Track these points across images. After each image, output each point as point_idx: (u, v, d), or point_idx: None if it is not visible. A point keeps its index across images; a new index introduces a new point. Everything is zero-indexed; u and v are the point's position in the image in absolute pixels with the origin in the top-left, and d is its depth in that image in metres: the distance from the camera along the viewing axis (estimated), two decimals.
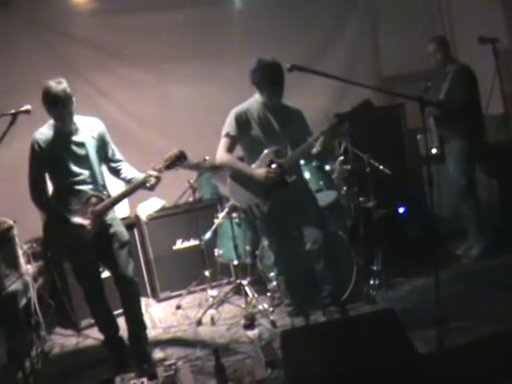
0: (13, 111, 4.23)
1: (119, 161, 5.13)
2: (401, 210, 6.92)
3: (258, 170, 4.95)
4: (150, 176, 4.76)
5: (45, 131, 4.88)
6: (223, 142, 5.12)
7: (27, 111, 4.29)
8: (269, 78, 4.90)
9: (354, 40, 8.50)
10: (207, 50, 7.90)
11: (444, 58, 6.31)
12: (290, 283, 5.22)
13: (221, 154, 5.11)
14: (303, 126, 5.18)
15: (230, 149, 5.12)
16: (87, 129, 4.94)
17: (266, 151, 4.98)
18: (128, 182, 5.04)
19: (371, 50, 8.61)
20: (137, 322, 5.12)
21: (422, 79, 6.32)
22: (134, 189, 4.89)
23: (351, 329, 3.95)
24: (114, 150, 5.11)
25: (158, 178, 4.79)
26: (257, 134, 5.05)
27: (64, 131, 4.84)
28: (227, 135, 5.09)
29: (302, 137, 5.00)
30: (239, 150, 5.26)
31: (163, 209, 6.98)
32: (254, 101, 5.14)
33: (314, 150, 4.86)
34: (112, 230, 4.97)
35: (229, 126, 5.09)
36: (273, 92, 4.96)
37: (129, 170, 5.07)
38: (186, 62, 7.90)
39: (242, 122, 5.05)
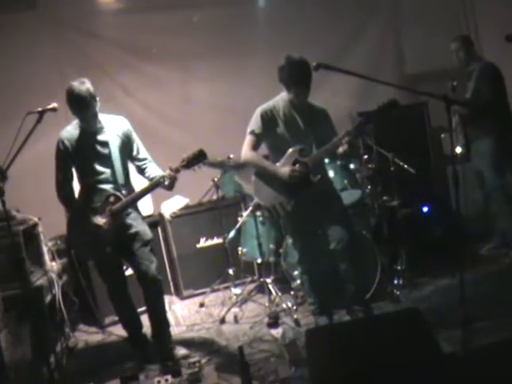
0: (40, 109, 4.25)
1: (144, 159, 5.13)
2: (425, 209, 6.88)
3: (283, 168, 4.93)
4: (165, 176, 4.76)
5: (70, 130, 4.92)
6: (248, 140, 5.09)
7: (54, 109, 4.31)
8: (296, 75, 4.85)
9: (377, 38, 8.48)
10: (231, 48, 7.92)
11: (467, 56, 6.25)
12: (314, 282, 5.21)
13: (245, 152, 5.08)
14: (329, 125, 5.15)
15: (255, 146, 5.08)
16: (112, 127, 4.96)
17: (290, 150, 4.95)
18: (151, 180, 5.04)
19: (394, 48, 8.58)
20: (160, 320, 5.14)
21: (446, 77, 6.29)
22: (151, 188, 4.90)
23: (376, 328, 3.91)
24: (139, 148, 5.12)
25: (174, 178, 4.77)
26: (282, 132, 5.01)
27: (89, 130, 4.87)
28: (252, 133, 5.06)
29: (328, 136, 4.97)
30: (264, 148, 5.24)
31: (187, 207, 7.00)
32: (280, 99, 5.10)
33: (340, 150, 4.84)
34: (134, 230, 4.99)
35: (254, 123, 5.06)
36: (299, 90, 4.91)
37: (153, 169, 5.07)
38: (210, 61, 7.92)
39: (268, 119, 5.02)
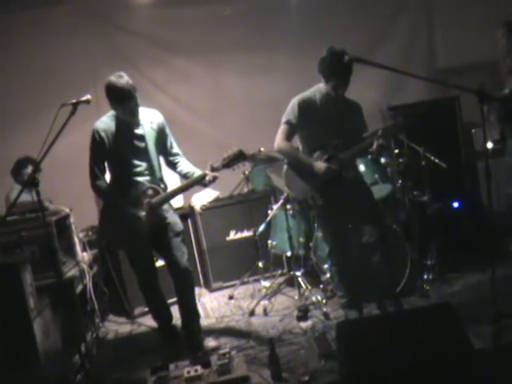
0: (73, 101, 4.26)
1: (177, 154, 5.16)
2: (455, 204, 6.83)
3: (319, 162, 4.91)
4: (207, 175, 4.80)
5: (106, 121, 4.94)
6: (283, 130, 5.04)
7: (87, 101, 4.32)
8: (337, 67, 4.75)
9: (408, 31, 8.39)
10: (261, 41, 7.92)
11: (509, 45, 6.08)
12: (344, 275, 5.19)
13: (279, 142, 5.04)
14: (361, 120, 5.12)
15: (289, 137, 5.04)
16: (147, 120, 4.98)
17: (326, 143, 4.93)
18: (183, 176, 5.08)
19: (426, 41, 8.49)
20: (190, 311, 5.17)
21: (479, 71, 6.22)
22: (191, 185, 4.95)
23: (407, 322, 3.90)
24: (172, 142, 5.15)
25: (214, 178, 4.83)
26: (317, 123, 4.95)
27: (125, 122, 4.89)
28: (288, 122, 5.01)
29: (359, 131, 4.96)
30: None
31: (217, 200, 7.01)
32: (316, 90, 5.04)
33: (374, 146, 4.82)
34: (166, 221, 5.01)
35: (291, 113, 5.00)
36: (339, 83, 4.85)
37: (185, 165, 5.10)
38: (240, 54, 7.93)
39: (305, 109, 4.95)
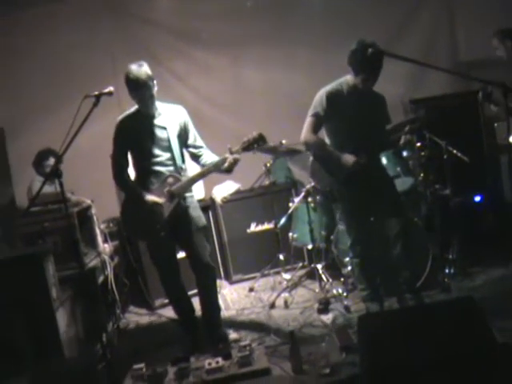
0: (96, 93, 4.27)
1: (200, 147, 5.16)
2: (477, 198, 6.79)
3: (348, 155, 4.88)
4: (227, 158, 4.77)
5: (129, 114, 4.98)
6: (310, 122, 5.00)
7: (110, 93, 4.33)
8: (369, 61, 4.71)
9: (430, 24, 8.30)
10: (282, 34, 7.89)
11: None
12: (366, 268, 5.18)
13: (306, 134, 5.00)
14: (385, 112, 5.12)
15: (316, 129, 5.00)
16: (170, 115, 5.00)
17: (352, 135, 4.92)
18: None
19: (448, 34, 8.41)
20: (212, 305, 5.19)
21: (502, 65, 6.17)
22: (211, 170, 4.92)
23: (429, 316, 3.89)
24: (195, 136, 5.15)
25: (235, 160, 4.78)
26: (344, 115, 4.91)
27: (147, 115, 4.92)
28: (316, 115, 4.97)
29: (383, 124, 4.95)
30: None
31: (238, 192, 7.02)
32: (344, 82, 5.00)
33: (402, 140, 4.82)
34: (190, 215, 5.02)
35: (319, 105, 4.96)
36: (369, 76, 4.83)
37: (209, 156, 5.09)
38: (261, 47, 7.91)
39: (332, 102, 4.91)
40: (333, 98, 4.92)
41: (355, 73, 4.89)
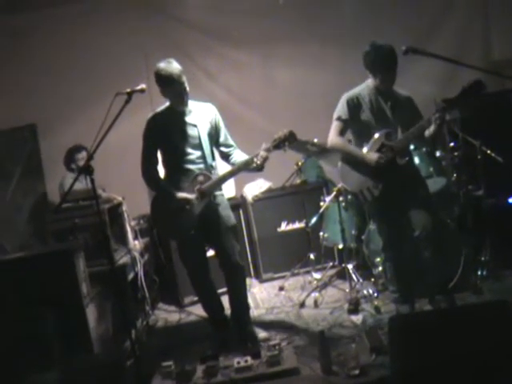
0: (128, 90, 4.27)
1: (231, 146, 5.16)
2: (511, 200, 6.69)
3: (370, 154, 4.90)
4: (257, 155, 4.76)
5: (161, 111, 5.00)
6: (335, 126, 5.07)
7: (142, 90, 4.33)
8: (382, 62, 4.81)
9: (462, 22, 8.21)
10: (313, 32, 7.85)
11: None
12: (398, 269, 5.14)
13: (332, 138, 5.07)
14: (416, 112, 5.07)
15: (342, 132, 5.07)
16: (201, 113, 5.01)
17: (377, 135, 4.92)
18: None
19: (481, 32, 8.30)
20: (241, 305, 5.19)
21: None
22: (241, 168, 4.91)
23: (461, 319, 3.84)
24: (226, 135, 5.15)
25: (265, 158, 4.76)
26: (368, 118, 4.97)
27: (178, 112, 4.92)
28: (339, 119, 5.04)
29: (414, 123, 4.91)
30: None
31: (269, 190, 7.02)
32: (365, 86, 5.06)
33: (426, 133, 4.76)
34: (219, 213, 5.02)
35: (341, 109, 5.04)
36: (385, 77, 4.87)
37: (239, 155, 5.09)
38: (292, 44, 7.90)
39: (354, 106, 4.99)
40: (353, 102, 5.00)
41: (372, 75, 4.95)
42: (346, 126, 5.06)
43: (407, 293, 5.17)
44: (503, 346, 3.49)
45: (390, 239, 5.12)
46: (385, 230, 5.17)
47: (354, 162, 5.04)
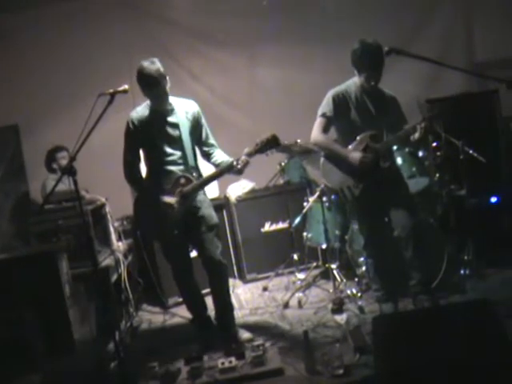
0: (111, 91, 4.27)
1: (212, 145, 5.15)
2: (493, 199, 6.73)
3: (354, 153, 4.91)
4: (239, 159, 4.75)
5: (140, 110, 4.97)
6: (319, 122, 5.07)
7: (125, 91, 4.32)
8: (368, 59, 4.80)
9: (446, 23, 8.26)
10: (298, 33, 7.87)
11: None
12: (380, 268, 5.18)
13: (316, 134, 5.07)
14: (399, 113, 5.11)
15: (326, 129, 5.07)
16: (182, 110, 4.98)
17: (362, 135, 4.95)
18: (217, 166, 5.06)
19: (464, 33, 8.35)
20: (225, 303, 5.18)
21: None
22: (223, 172, 4.92)
23: (443, 318, 3.86)
24: (208, 133, 5.14)
25: (247, 162, 4.76)
26: (353, 116, 4.99)
27: (159, 111, 4.90)
28: (323, 115, 5.04)
29: (398, 124, 4.95)
30: (332, 132, 5.21)
31: (253, 191, 7.02)
32: (351, 83, 5.07)
33: (412, 138, 4.79)
34: (201, 213, 5.01)
35: (326, 106, 5.04)
36: (371, 74, 4.87)
37: (220, 155, 5.08)
38: (277, 45, 7.90)
39: (339, 103, 4.99)
40: (339, 99, 5.01)
41: (358, 72, 4.96)
42: (330, 122, 5.06)
43: (390, 291, 5.20)
44: (486, 344, 3.52)
45: (370, 238, 5.16)
46: (365, 229, 5.20)
47: (336, 160, 5.05)
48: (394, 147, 5.52)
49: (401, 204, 5.04)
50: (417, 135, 4.74)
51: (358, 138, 4.96)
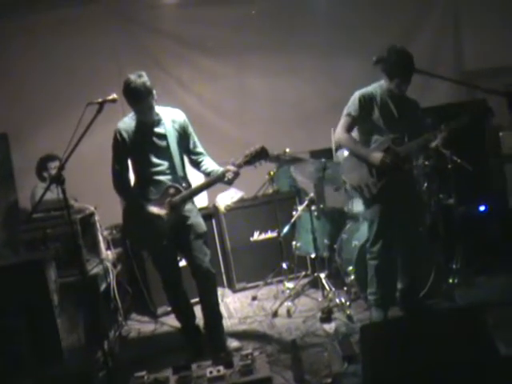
0: (100, 100, 4.26)
1: (200, 154, 5.15)
2: (482, 207, 6.76)
3: (375, 153, 4.98)
4: (229, 171, 4.76)
5: (128, 121, 4.97)
6: (344, 121, 5.14)
7: (113, 100, 4.31)
8: (403, 66, 4.84)
9: (434, 33, 8.32)
10: (287, 41, 7.93)
11: None
12: (382, 270, 5.18)
13: (340, 133, 5.14)
14: (420, 117, 5.21)
15: (350, 129, 5.14)
16: (169, 120, 4.98)
17: (384, 137, 5.03)
18: (207, 175, 5.06)
19: (452, 42, 8.40)
20: (213, 312, 5.17)
21: (508, 74, 6.15)
22: (212, 182, 4.93)
23: (432, 326, 3.87)
24: (195, 142, 5.14)
25: (236, 173, 4.78)
26: (377, 118, 5.07)
27: (146, 122, 4.91)
28: (349, 115, 5.11)
29: (418, 127, 5.05)
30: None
31: (242, 200, 7.01)
32: (378, 86, 5.14)
33: (433, 144, 4.86)
34: (189, 222, 5.01)
35: (351, 106, 5.11)
36: (403, 81, 4.95)
37: (209, 164, 5.08)
38: (266, 54, 7.96)
39: (365, 104, 5.06)
40: (365, 100, 5.08)
41: (389, 78, 5.02)
42: (354, 122, 5.13)
43: (385, 296, 5.22)
44: (472, 353, 3.53)
45: (379, 238, 5.15)
46: (375, 228, 5.17)
47: (357, 158, 5.13)
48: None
49: (413, 212, 5.20)
50: (435, 143, 4.82)
51: (380, 139, 5.05)
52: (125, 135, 4.91)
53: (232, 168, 4.75)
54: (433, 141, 4.88)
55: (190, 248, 4.99)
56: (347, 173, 5.28)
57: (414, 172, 5.48)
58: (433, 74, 4.62)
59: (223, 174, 4.78)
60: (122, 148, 4.94)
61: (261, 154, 4.77)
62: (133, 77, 4.69)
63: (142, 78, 4.69)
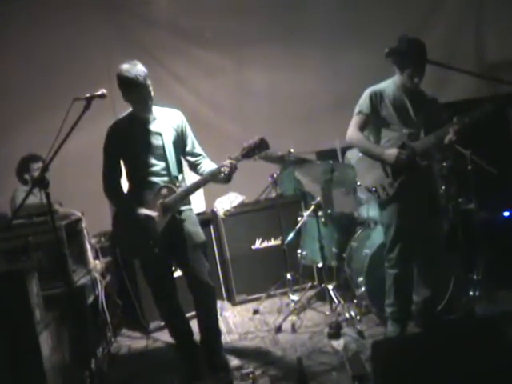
0: (87, 95, 4.24)
1: (199, 155, 5.14)
2: (506, 213, 6.75)
3: (390, 150, 4.99)
4: (224, 165, 4.72)
5: (121, 120, 4.97)
6: (356, 120, 5.17)
7: (102, 96, 4.29)
8: (414, 54, 4.84)
9: (454, 23, 8.33)
10: (289, 34, 7.96)
11: None
12: (400, 280, 5.15)
13: (352, 132, 5.17)
14: (439, 114, 5.19)
15: (362, 127, 5.17)
16: (166, 120, 4.98)
17: (399, 133, 5.04)
18: None
19: (473, 33, 8.41)
20: (212, 328, 5.16)
21: None
22: (207, 179, 4.88)
23: (449, 342, 3.86)
24: (193, 143, 5.13)
25: (233, 167, 4.71)
26: (390, 115, 5.08)
27: (141, 120, 4.90)
28: (360, 113, 5.14)
29: (438, 125, 5.01)
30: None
31: (242, 205, 7.02)
32: (391, 82, 5.16)
33: (446, 140, 4.84)
34: (186, 230, 4.99)
35: (363, 103, 5.14)
36: (416, 71, 4.95)
37: (208, 165, 5.06)
38: (267, 46, 7.98)
39: (376, 101, 5.08)
40: (376, 97, 5.10)
41: (400, 70, 5.04)
42: (367, 120, 5.15)
43: (403, 309, 5.21)
44: (494, 368, 3.51)
45: (396, 244, 5.12)
46: (392, 232, 5.14)
47: (371, 158, 5.15)
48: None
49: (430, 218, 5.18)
50: (448, 138, 4.81)
51: (394, 136, 5.06)
52: (118, 135, 4.91)
53: (227, 161, 4.71)
54: (448, 133, 4.85)
55: (187, 259, 4.96)
56: (361, 175, 5.28)
57: (434, 169, 5.43)
58: (449, 66, 4.61)
59: (219, 170, 4.74)
60: (115, 149, 4.94)
61: (260, 146, 4.73)
62: (127, 65, 4.72)
63: (136, 65, 4.73)
